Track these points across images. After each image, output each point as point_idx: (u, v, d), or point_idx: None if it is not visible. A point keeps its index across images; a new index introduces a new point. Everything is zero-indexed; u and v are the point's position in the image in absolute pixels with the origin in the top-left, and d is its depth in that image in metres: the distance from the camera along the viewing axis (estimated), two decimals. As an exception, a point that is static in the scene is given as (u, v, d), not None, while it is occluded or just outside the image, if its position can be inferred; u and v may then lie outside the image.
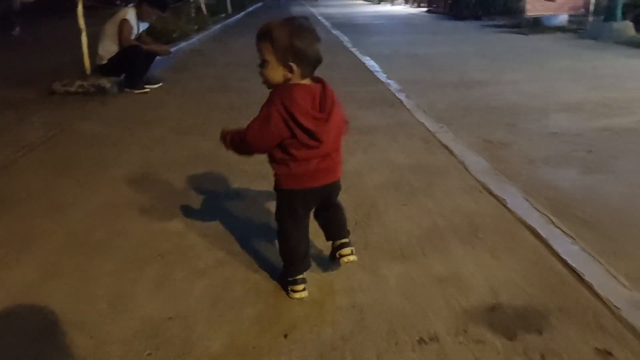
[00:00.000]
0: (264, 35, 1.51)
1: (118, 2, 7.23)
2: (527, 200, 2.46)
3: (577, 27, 9.55)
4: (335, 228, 1.87)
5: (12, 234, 2.32)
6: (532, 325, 1.57)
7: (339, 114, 1.60)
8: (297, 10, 20.48)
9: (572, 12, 9.95)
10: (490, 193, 2.56)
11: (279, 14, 18.49)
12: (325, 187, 1.66)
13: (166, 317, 1.67)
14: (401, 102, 4.58)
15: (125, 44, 5.17)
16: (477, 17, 12.95)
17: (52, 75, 5.40)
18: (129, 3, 5.44)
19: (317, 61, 1.54)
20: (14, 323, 1.70)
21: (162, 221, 2.39)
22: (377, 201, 2.51)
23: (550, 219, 2.25)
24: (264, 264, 1.99)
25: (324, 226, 1.89)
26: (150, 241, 2.20)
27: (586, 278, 1.79)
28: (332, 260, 1.91)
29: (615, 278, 1.79)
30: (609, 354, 1.45)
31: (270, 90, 1.59)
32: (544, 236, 2.11)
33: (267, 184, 2.71)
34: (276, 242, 2.08)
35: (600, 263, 1.89)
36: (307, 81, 1.55)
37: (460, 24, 12.33)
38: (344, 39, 9.53)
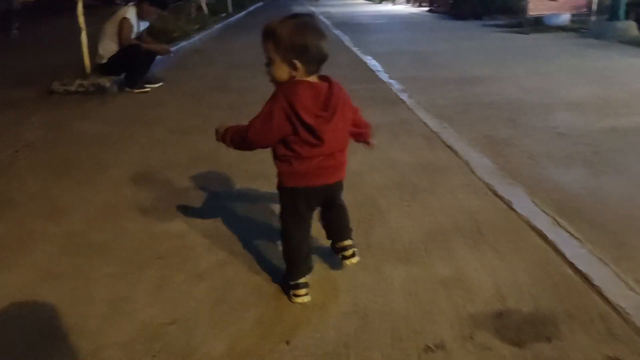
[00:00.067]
0: (268, 34, 1.50)
1: (118, 1, 7.20)
2: (532, 201, 2.42)
3: (579, 27, 9.49)
4: (337, 229, 1.85)
5: (11, 235, 2.30)
6: (541, 332, 1.53)
7: (346, 114, 1.59)
8: (297, 9, 20.43)
9: (574, 12, 9.90)
10: (495, 193, 2.52)
11: (279, 14, 18.36)
12: (327, 187, 1.64)
13: (166, 321, 1.64)
14: (402, 100, 4.54)
15: (125, 43, 5.14)
16: (478, 17, 12.89)
17: (51, 74, 5.38)
18: (129, 2, 5.41)
19: (322, 58, 1.52)
20: (13, 325, 1.68)
21: (163, 222, 2.36)
22: (379, 201, 2.47)
23: (556, 221, 2.21)
24: (266, 266, 1.96)
25: (327, 227, 1.86)
26: (150, 243, 2.17)
27: (595, 282, 1.74)
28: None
29: (625, 282, 1.75)
30: (621, 361, 1.41)
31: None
32: (550, 238, 2.06)
33: (268, 184, 2.68)
34: (278, 243, 2.05)
35: (608, 266, 1.85)
36: (313, 78, 1.54)
37: (462, 23, 12.28)
38: (345, 38, 9.48)
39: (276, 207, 2.41)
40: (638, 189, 2.59)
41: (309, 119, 1.47)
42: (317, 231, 1.86)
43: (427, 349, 1.47)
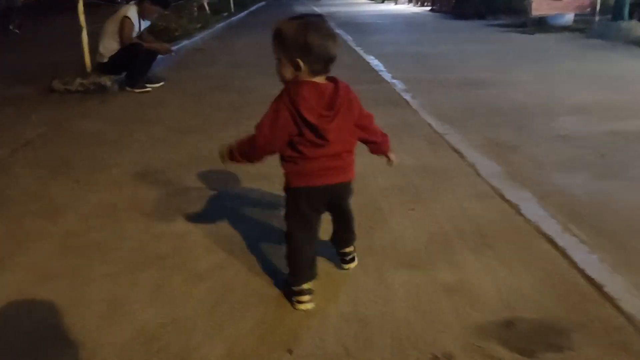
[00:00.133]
0: (275, 33, 1.52)
1: (119, 0, 7.16)
2: (540, 205, 2.36)
3: (583, 27, 9.43)
4: (342, 236, 1.84)
5: (7, 234, 2.26)
6: (552, 343, 1.47)
7: (352, 115, 1.56)
8: (300, 9, 20.40)
9: (578, 12, 9.84)
10: (502, 197, 2.47)
11: (281, 13, 18.45)
12: (332, 187, 1.61)
13: (164, 323, 1.61)
14: (406, 101, 4.49)
15: (127, 42, 5.10)
16: (481, 17, 12.84)
17: (52, 73, 5.34)
18: (130, 0, 5.36)
19: (328, 59, 1.49)
20: (8, 327, 1.64)
21: (161, 223, 2.32)
22: (382, 205, 2.42)
23: (566, 226, 2.15)
24: (266, 268, 1.91)
25: (333, 232, 1.84)
26: (148, 243, 2.13)
27: (607, 291, 1.69)
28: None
29: (639, 291, 1.69)
30: (635, 375, 1.36)
31: None
32: (560, 244, 2.01)
33: (269, 185, 2.64)
34: (280, 245, 2.04)
35: (621, 275, 1.79)
36: (319, 79, 1.52)
37: (465, 23, 12.23)
38: (348, 37, 9.43)
39: (278, 209, 2.39)
40: (647, 194, 2.54)
41: (311, 118, 1.46)
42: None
43: (435, 359, 1.42)
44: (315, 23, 1.49)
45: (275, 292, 1.76)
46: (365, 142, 1.70)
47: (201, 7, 12.60)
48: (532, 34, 9.22)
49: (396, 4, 22.24)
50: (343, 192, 1.69)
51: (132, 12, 5.16)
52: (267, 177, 2.77)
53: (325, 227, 1.81)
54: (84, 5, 5.34)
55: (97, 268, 1.94)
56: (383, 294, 1.73)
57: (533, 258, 1.94)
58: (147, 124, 4.02)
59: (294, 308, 1.67)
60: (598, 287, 1.72)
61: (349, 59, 6.84)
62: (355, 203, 1.79)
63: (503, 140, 3.38)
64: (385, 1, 23.92)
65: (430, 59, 6.97)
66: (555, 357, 1.42)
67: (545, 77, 5.47)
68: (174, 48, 6.14)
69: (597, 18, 9.24)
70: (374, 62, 6.68)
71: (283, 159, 1.61)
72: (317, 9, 18.69)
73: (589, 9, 9.56)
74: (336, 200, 1.69)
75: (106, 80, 5.16)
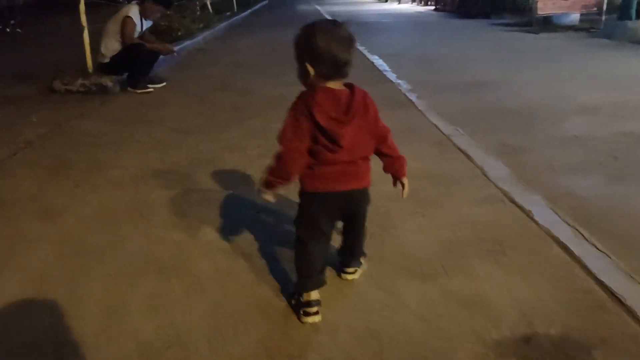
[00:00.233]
0: (294, 38, 1.52)
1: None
2: (554, 211, 2.28)
3: (589, 26, 9.34)
4: (350, 250, 1.80)
5: (5, 238, 2.21)
6: (574, 358, 1.39)
7: (368, 121, 1.52)
8: (302, 8, 20.32)
9: (584, 11, 9.74)
10: (514, 202, 2.39)
11: (283, 12, 18.39)
12: (347, 193, 1.57)
13: (164, 339, 1.54)
14: (412, 102, 4.42)
15: (128, 42, 5.04)
16: (485, 16, 12.74)
17: (53, 72, 5.29)
18: (132, 0, 5.30)
19: (337, 63, 1.45)
20: (1, 337, 1.58)
21: (162, 227, 2.26)
22: (391, 211, 2.33)
23: (581, 233, 2.07)
24: (272, 278, 1.85)
25: (341, 244, 1.82)
26: (147, 250, 2.07)
27: (628, 303, 1.61)
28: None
29: (661, 303, 1.62)
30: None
31: None
32: (576, 253, 1.93)
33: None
34: (285, 253, 1.99)
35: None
36: (334, 85, 1.49)
37: (469, 22, 12.14)
38: (351, 37, 9.34)
39: (282, 214, 2.33)
40: (663, 199, 2.45)
41: (324, 123, 1.44)
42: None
43: (450, 379, 1.35)
44: (326, 28, 1.46)
45: (280, 304, 1.69)
46: (379, 154, 1.65)
47: (204, 6, 12.53)
48: (538, 34, 9.12)
49: (399, 3, 22.13)
50: (358, 199, 1.64)
51: (134, 11, 5.09)
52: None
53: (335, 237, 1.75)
54: (86, 4, 5.27)
55: (95, 275, 1.89)
56: (394, 306, 1.66)
57: (548, 267, 1.86)
58: (149, 125, 3.96)
59: (301, 321, 1.60)
60: (618, 299, 1.64)
61: (353, 59, 6.76)
62: (363, 210, 1.72)
63: (511, 142, 3.30)
64: (389, 0, 23.82)
65: (435, 59, 6.89)
66: (578, 375, 1.35)
67: (552, 77, 5.38)
68: (175, 48, 6.08)
69: (603, 17, 9.13)
70: (378, 62, 6.60)
71: None
72: (320, 8, 18.61)
73: (595, 8, 9.45)
74: (351, 208, 1.64)
75: (107, 81, 5.10)
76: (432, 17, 14.58)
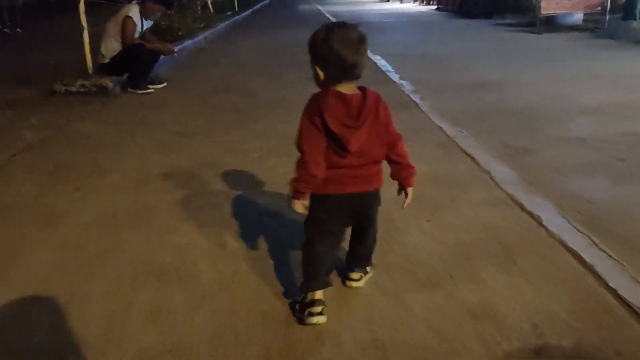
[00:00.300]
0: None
1: (121, -1, 7.07)
2: (562, 216, 2.23)
3: (592, 26, 9.27)
4: (357, 255, 1.77)
5: (4, 244, 2.18)
6: (588, 373, 1.35)
7: (379, 125, 1.50)
8: (303, 7, 20.28)
9: (587, 11, 9.67)
10: (522, 207, 2.34)
11: (285, 12, 18.35)
12: (357, 196, 1.56)
13: (165, 350, 1.50)
14: (416, 103, 4.37)
15: (128, 43, 4.99)
16: (487, 16, 12.68)
17: (53, 74, 5.26)
18: (133, 0, 5.25)
19: (346, 66, 1.43)
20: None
21: (162, 234, 2.22)
22: (395, 216, 2.27)
23: (591, 239, 2.02)
24: (274, 285, 1.80)
25: (349, 248, 1.79)
26: (148, 257, 2.02)
27: (643, 313, 1.56)
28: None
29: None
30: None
31: None
32: (587, 260, 1.88)
33: (277, 194, 2.53)
34: (289, 260, 1.96)
35: (655, 294, 1.67)
36: (346, 88, 1.47)
37: (471, 22, 12.08)
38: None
39: (285, 218, 2.30)
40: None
41: (334, 127, 1.43)
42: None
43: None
44: (332, 30, 1.44)
45: (283, 314, 1.65)
46: (388, 160, 1.61)
47: (205, 6, 12.50)
48: (541, 34, 9.06)
49: (401, 2, 22.06)
50: (369, 200, 1.61)
51: (134, 11, 5.05)
52: (274, 185, 2.67)
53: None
54: (86, 4, 5.23)
55: (96, 284, 1.84)
56: (401, 317, 1.61)
57: (559, 275, 1.81)
58: (149, 127, 3.92)
59: (305, 322, 1.57)
60: (632, 310, 1.59)
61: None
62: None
63: (517, 143, 3.25)
64: (390, 0, 23.75)
65: (438, 59, 6.84)
66: (593, 390, 1.30)
67: (556, 78, 5.33)
68: (176, 48, 6.03)
69: (607, 17, 9.07)
70: (380, 62, 6.56)
71: None
72: (321, 8, 18.57)
73: (598, 8, 9.38)
74: (361, 210, 1.62)
75: (108, 82, 5.05)
76: (434, 17, 14.52)
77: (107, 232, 2.24)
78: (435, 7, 17.72)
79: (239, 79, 5.80)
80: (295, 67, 6.14)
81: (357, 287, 1.77)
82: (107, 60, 5.11)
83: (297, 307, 1.64)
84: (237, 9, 15.64)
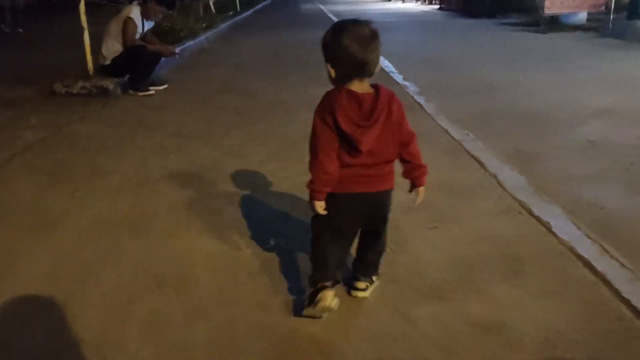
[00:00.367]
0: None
1: (122, 0, 7.00)
2: (574, 224, 2.16)
3: (597, 26, 9.20)
4: (363, 261, 1.72)
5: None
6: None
7: (391, 124, 1.47)
8: (306, 7, 20.23)
9: (592, 10, 9.60)
10: (531, 213, 2.28)
11: (286, 12, 18.28)
12: (367, 196, 1.53)
13: (162, 357, 1.46)
14: (421, 105, 4.31)
15: (129, 44, 4.94)
16: (491, 15, 12.60)
17: (53, 75, 5.22)
18: (134, 0, 5.20)
19: (355, 63, 1.41)
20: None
21: (161, 237, 2.18)
22: (401, 224, 2.20)
23: (603, 247, 1.96)
24: (275, 295, 1.75)
25: (356, 255, 1.77)
26: (146, 266, 1.96)
27: (660, 328, 1.50)
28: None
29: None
30: None
31: None
32: (598, 269, 1.82)
33: (279, 198, 2.48)
34: (292, 270, 1.91)
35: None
36: (358, 86, 1.45)
37: (475, 21, 12.01)
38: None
39: (287, 222, 2.25)
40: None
41: (346, 128, 1.41)
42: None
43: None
44: (342, 27, 1.42)
45: (285, 329, 1.58)
46: (400, 159, 1.59)
47: (207, 6, 12.45)
48: (545, 34, 8.99)
49: (403, 2, 21.98)
50: (380, 200, 1.58)
51: (135, 12, 5.00)
52: (276, 189, 2.62)
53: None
54: (86, 5, 5.18)
55: (91, 295, 1.79)
56: (406, 331, 1.55)
57: (572, 287, 1.75)
58: (150, 128, 3.87)
59: (313, 310, 1.52)
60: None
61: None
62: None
63: (525, 147, 3.19)
64: (392, -1, 23.67)
65: (442, 60, 6.78)
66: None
67: (563, 79, 5.26)
68: (177, 49, 5.98)
69: (611, 17, 8.99)
70: (384, 62, 6.48)
71: None
72: (323, 8, 18.51)
73: (603, 7, 9.31)
74: (372, 210, 1.58)
75: (108, 83, 5.00)
76: (437, 17, 14.45)
77: (105, 235, 2.21)
78: (437, 6, 17.64)
79: (240, 80, 5.75)
80: (296, 68, 6.09)
81: (363, 298, 1.71)
82: (108, 62, 5.06)
83: (305, 302, 1.58)
84: (239, 9, 15.59)
